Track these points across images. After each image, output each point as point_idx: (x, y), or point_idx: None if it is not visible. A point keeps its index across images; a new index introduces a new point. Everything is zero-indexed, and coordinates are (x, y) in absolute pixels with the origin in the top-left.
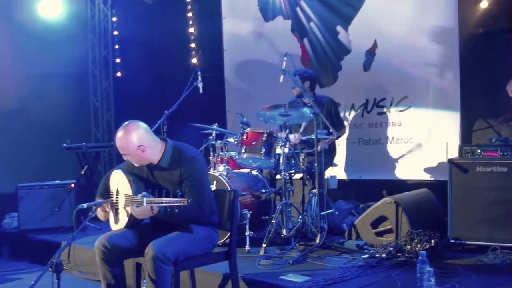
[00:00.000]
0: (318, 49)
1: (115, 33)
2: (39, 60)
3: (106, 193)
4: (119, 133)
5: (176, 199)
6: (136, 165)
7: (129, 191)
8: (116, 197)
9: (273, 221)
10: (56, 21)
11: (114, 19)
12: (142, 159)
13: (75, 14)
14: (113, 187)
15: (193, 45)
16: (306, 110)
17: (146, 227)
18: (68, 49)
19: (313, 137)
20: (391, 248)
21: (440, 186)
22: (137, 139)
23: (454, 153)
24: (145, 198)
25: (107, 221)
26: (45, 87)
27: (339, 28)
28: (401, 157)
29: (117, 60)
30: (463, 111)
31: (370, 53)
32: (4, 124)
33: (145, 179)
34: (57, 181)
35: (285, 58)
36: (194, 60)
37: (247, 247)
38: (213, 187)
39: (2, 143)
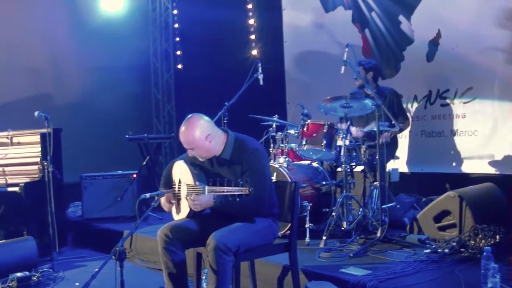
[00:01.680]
0: (380, 39)
1: (176, 25)
2: (101, 53)
3: (169, 184)
4: (183, 128)
5: (237, 188)
6: (201, 159)
7: (191, 181)
8: (179, 187)
9: (333, 214)
10: (118, 15)
11: (175, 12)
12: (209, 150)
13: (136, 7)
14: (175, 178)
15: (253, 36)
16: (368, 101)
17: (207, 217)
18: (130, 42)
19: (375, 129)
20: (454, 243)
21: (506, 180)
22: (201, 132)
23: None
24: (206, 187)
25: (168, 211)
26: (108, 80)
27: (401, 18)
28: (465, 150)
29: (178, 53)
30: None
31: (434, 43)
32: (69, 116)
33: (207, 170)
34: (120, 172)
35: (347, 49)
36: (254, 52)
37: (307, 239)
38: (274, 178)
39: (67, 134)
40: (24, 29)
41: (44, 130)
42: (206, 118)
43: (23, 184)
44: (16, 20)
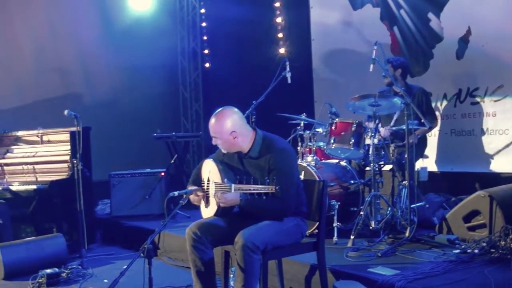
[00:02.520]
0: (409, 37)
1: (203, 24)
2: (130, 52)
3: (198, 182)
4: (214, 117)
5: (263, 186)
6: (223, 151)
7: (218, 179)
8: (207, 186)
9: (361, 213)
10: (146, 14)
11: (202, 10)
12: (232, 145)
13: (164, 7)
14: (204, 176)
15: (280, 35)
16: (396, 100)
17: (236, 215)
18: (158, 41)
19: (404, 128)
20: (484, 244)
21: None
22: (231, 125)
23: None
24: (233, 185)
25: (198, 205)
26: (136, 79)
27: (430, 15)
28: (495, 149)
29: (206, 51)
30: None
31: (463, 41)
32: (98, 115)
33: (235, 168)
34: (148, 170)
35: (375, 47)
36: (282, 50)
37: (335, 238)
38: (301, 177)
39: (96, 132)
40: (54, 30)
41: (73, 129)
42: (238, 112)
43: (52, 182)
44: (46, 21)
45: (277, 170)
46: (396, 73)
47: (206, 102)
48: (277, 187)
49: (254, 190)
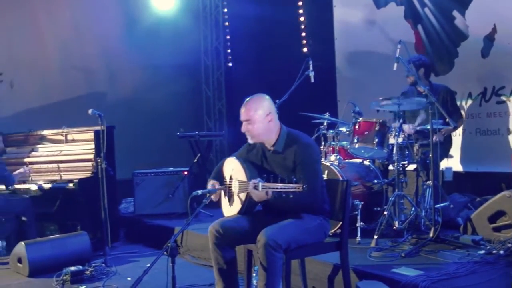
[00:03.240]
0: (433, 35)
1: (226, 23)
2: (153, 52)
3: (219, 179)
4: (249, 100)
5: (291, 184)
6: (250, 141)
7: (243, 177)
8: (230, 184)
9: (385, 213)
10: (169, 14)
11: (225, 10)
12: (265, 130)
13: (187, 6)
14: (226, 174)
15: (303, 34)
16: (420, 99)
17: (259, 214)
18: (181, 40)
19: (428, 127)
20: (509, 245)
21: None
22: (268, 107)
23: None
24: (260, 183)
25: (215, 200)
26: (159, 78)
27: (455, 13)
28: None
29: (228, 50)
30: None
31: (489, 39)
32: (122, 114)
33: (258, 166)
34: (171, 169)
35: (399, 46)
36: (305, 49)
37: (358, 238)
38: (325, 176)
39: (120, 131)
40: (79, 30)
41: (97, 128)
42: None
43: (77, 180)
44: (71, 21)
45: (303, 164)
46: (419, 72)
47: (229, 101)
48: (304, 186)
49: (281, 188)
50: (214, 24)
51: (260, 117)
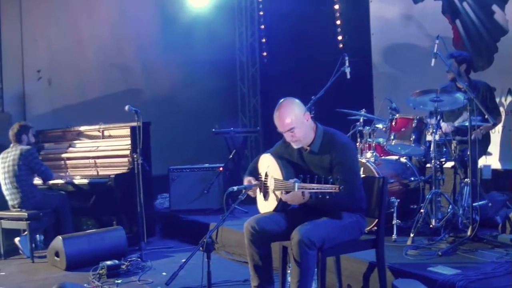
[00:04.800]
0: (472, 30)
1: (262, 20)
2: (189, 49)
3: (255, 175)
4: (281, 108)
5: (328, 185)
6: (295, 146)
7: (279, 176)
8: (265, 180)
9: (421, 211)
10: (204, 11)
11: (260, 6)
12: (306, 132)
13: (222, 3)
14: (262, 171)
15: (339, 29)
16: (459, 95)
17: (294, 211)
18: (216, 37)
19: (467, 124)
20: None
21: None
22: (300, 108)
23: None
24: (296, 184)
25: (253, 196)
26: (194, 75)
27: (495, 8)
28: None
29: (264, 47)
30: None
31: None
32: (158, 110)
33: (294, 164)
34: (206, 165)
35: (437, 41)
36: (341, 45)
37: (394, 236)
38: (361, 173)
39: (156, 128)
40: (116, 28)
41: (134, 124)
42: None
43: (113, 176)
44: (109, 21)
45: (340, 165)
46: (460, 68)
47: (264, 97)
48: (341, 187)
49: (317, 189)
50: (249, 20)
51: (298, 121)
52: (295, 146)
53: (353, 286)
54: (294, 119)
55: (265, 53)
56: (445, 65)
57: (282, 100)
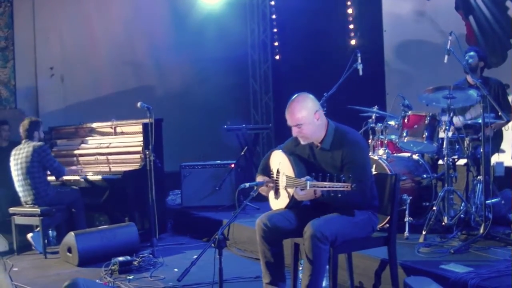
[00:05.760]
0: (485, 27)
1: (273, 17)
2: (201, 46)
3: (266, 172)
4: (293, 102)
5: (339, 183)
6: (303, 142)
7: (291, 173)
8: (277, 177)
9: (434, 208)
10: (216, 8)
11: (272, 3)
12: (316, 129)
13: (234, 0)
14: (273, 167)
15: (351, 26)
16: (472, 92)
17: (306, 208)
18: (228, 34)
19: (480, 121)
20: None
21: None
22: (313, 104)
23: None
24: (308, 182)
25: (266, 195)
26: (206, 71)
27: (508, 3)
28: None
29: (275, 43)
30: None
31: None
32: (170, 107)
33: (306, 161)
34: (218, 161)
35: (450, 38)
36: (353, 42)
37: (406, 233)
38: (373, 171)
39: (168, 124)
40: (129, 26)
41: (146, 120)
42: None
43: (125, 172)
44: (122, 19)
45: (352, 162)
46: (479, 64)
47: (276, 94)
48: (353, 185)
49: (329, 187)
50: (261, 17)
51: (308, 118)
52: (302, 141)
53: (365, 283)
54: (303, 115)
55: (277, 56)
56: (459, 62)
57: (297, 94)
